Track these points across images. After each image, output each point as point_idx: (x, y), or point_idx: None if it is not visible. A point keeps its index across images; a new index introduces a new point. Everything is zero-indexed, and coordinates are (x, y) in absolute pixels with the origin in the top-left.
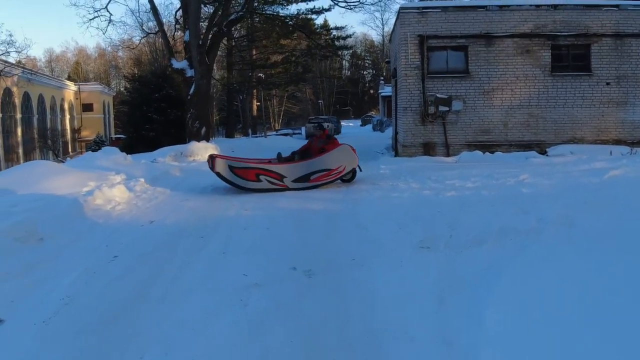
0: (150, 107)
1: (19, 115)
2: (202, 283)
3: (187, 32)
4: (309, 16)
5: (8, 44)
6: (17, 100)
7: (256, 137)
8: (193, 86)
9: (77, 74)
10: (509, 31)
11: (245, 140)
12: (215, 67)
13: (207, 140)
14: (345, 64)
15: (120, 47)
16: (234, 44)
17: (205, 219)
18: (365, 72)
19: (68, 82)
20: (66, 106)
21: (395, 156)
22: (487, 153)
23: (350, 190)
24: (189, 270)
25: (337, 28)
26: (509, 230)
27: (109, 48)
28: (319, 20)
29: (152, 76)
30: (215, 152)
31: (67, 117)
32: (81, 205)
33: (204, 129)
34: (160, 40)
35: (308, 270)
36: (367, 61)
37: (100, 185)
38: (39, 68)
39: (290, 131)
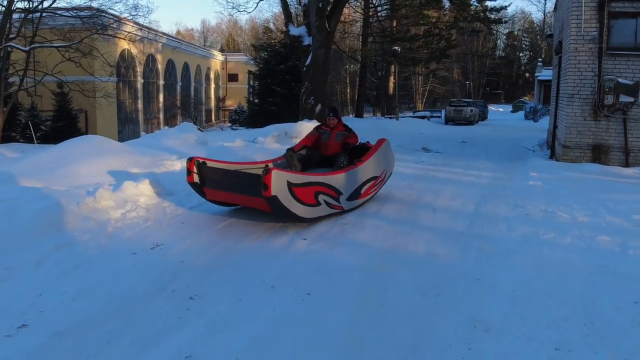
0: (275, 79)
1: (161, 82)
2: None
3: None
4: None
5: (136, 8)
6: (161, 67)
7: (390, 117)
8: (310, 56)
9: (228, 45)
10: None
11: (368, 122)
12: (354, 39)
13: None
14: (500, 43)
15: (237, 11)
16: (371, 13)
17: (225, 255)
18: (521, 54)
19: (215, 52)
20: (212, 75)
21: (550, 158)
22: None
23: (480, 216)
24: None
25: None
26: None
27: (227, 12)
28: None
29: (281, 46)
30: None
31: (213, 86)
32: (62, 212)
33: (319, 106)
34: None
35: None
36: (525, 42)
37: (139, 175)
38: (194, 38)
39: (428, 114)
